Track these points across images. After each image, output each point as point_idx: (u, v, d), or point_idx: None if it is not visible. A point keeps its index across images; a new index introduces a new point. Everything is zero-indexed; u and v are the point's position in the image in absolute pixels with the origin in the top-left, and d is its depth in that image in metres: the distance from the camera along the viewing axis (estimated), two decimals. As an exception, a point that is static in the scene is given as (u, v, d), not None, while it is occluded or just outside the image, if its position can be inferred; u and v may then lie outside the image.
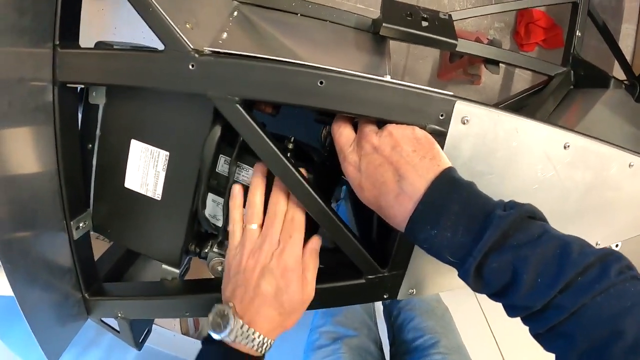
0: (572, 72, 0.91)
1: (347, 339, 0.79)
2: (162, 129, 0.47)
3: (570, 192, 0.51)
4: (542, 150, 0.48)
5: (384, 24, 0.69)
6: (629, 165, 0.54)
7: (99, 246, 0.60)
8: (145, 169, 0.49)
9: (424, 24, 0.73)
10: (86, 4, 0.43)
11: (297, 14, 0.75)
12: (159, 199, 0.51)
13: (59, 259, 0.49)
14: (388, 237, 0.53)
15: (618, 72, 0.94)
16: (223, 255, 0.55)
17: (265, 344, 0.44)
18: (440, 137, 0.44)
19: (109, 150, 0.50)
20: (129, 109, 0.47)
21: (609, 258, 0.32)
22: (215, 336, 0.43)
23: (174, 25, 0.39)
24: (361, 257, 0.50)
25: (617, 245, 0.89)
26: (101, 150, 0.50)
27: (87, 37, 0.45)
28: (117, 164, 0.50)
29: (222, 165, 0.50)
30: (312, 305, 0.54)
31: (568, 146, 0.49)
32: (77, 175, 0.49)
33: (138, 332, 0.59)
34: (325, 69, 0.41)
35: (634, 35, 1.09)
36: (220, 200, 0.52)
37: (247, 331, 0.43)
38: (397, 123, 0.43)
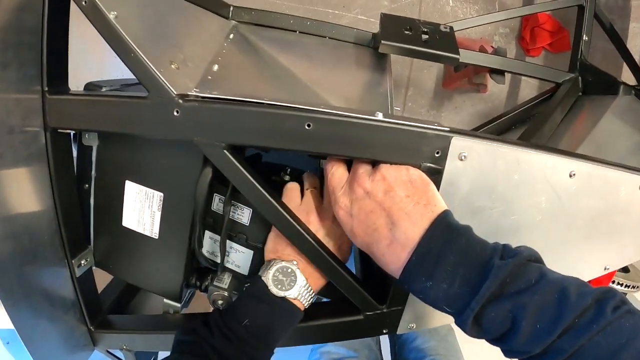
0: (579, 78, 0.88)
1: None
2: (155, 171, 0.47)
3: (576, 219, 0.49)
4: (545, 180, 0.46)
5: (382, 41, 0.67)
6: (639, 188, 0.52)
7: (104, 275, 0.61)
8: (141, 209, 0.49)
9: (424, 37, 0.71)
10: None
11: (295, 31, 0.74)
12: (156, 237, 0.51)
13: (63, 295, 0.50)
14: (382, 274, 0.52)
15: (627, 74, 0.91)
16: (223, 289, 0.55)
17: (312, 300, 0.47)
18: (436, 175, 0.42)
19: (105, 191, 0.50)
20: (122, 151, 0.47)
21: (605, 297, 0.32)
22: (279, 293, 0.44)
23: (156, 71, 0.38)
24: (358, 295, 0.49)
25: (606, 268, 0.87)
26: (97, 191, 0.50)
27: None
28: (113, 203, 0.50)
29: (217, 204, 0.50)
30: (312, 341, 0.54)
31: (574, 174, 0.47)
32: (75, 215, 0.49)
33: None
34: (313, 110, 0.40)
35: None
36: (217, 237, 0.52)
37: (308, 289, 0.46)
38: (390, 163, 0.41)
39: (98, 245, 0.54)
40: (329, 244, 0.47)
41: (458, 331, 0.88)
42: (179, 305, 0.56)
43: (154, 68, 0.38)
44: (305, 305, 0.47)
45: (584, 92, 0.88)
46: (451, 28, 0.80)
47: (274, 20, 0.71)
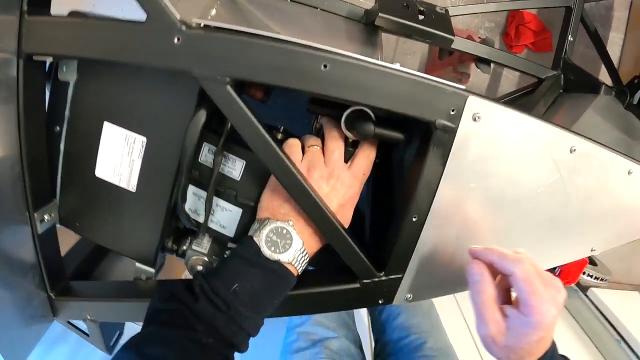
0: (562, 75, 0.90)
1: (327, 341, 0.75)
2: (140, 112, 0.42)
3: (571, 197, 0.50)
4: (549, 153, 0.46)
5: (380, 14, 0.65)
6: (628, 173, 0.53)
7: (66, 239, 0.54)
8: (119, 157, 0.44)
9: (421, 17, 0.70)
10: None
11: None
12: (133, 190, 0.46)
13: (21, 255, 0.44)
14: (386, 238, 0.50)
15: (604, 79, 0.95)
16: (203, 254, 0.51)
17: (305, 265, 0.44)
18: (450, 134, 0.41)
19: (79, 134, 0.44)
20: (103, 87, 0.42)
21: None
22: (272, 256, 0.41)
23: None
24: (357, 259, 0.46)
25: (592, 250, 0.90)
26: (70, 134, 0.44)
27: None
28: (87, 149, 0.44)
29: (206, 155, 0.46)
30: (302, 311, 0.50)
31: (574, 150, 0.47)
32: (42, 162, 0.43)
33: (109, 335, 0.53)
34: (331, 51, 0.37)
35: (621, 44, 1.11)
36: (202, 193, 0.47)
37: (304, 253, 0.43)
38: (404, 115, 0.40)
39: (64, 199, 0.47)
40: (330, 205, 0.44)
41: (439, 306, 0.88)
42: (152, 270, 0.51)
43: (155, -13, 0.34)
44: (299, 270, 0.44)
45: (565, 90, 0.91)
46: (447, 10, 0.79)
47: (268, -14, 0.67)
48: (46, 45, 0.37)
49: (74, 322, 0.52)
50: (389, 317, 0.84)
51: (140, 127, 0.43)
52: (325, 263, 0.51)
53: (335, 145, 0.45)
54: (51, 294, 0.48)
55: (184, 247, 0.51)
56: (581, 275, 0.98)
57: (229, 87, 0.37)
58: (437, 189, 0.44)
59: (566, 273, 1.00)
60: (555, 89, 0.90)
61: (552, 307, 0.36)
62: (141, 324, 0.41)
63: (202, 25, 0.36)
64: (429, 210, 0.45)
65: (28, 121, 0.39)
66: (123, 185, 0.45)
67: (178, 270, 0.82)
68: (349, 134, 0.46)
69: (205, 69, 0.36)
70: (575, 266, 0.96)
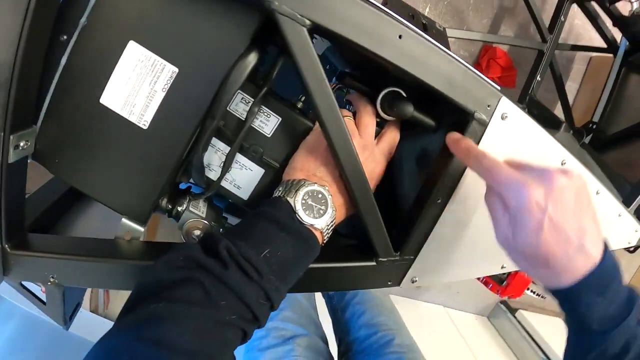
0: (526, 110, 1.00)
1: (299, 338, 0.71)
2: (179, 37, 0.36)
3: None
4: (547, 161, 0.50)
5: None
6: (596, 192, 0.60)
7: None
8: (138, 85, 0.37)
9: (423, 30, 0.73)
10: None
11: None
12: (144, 127, 0.39)
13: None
14: (404, 220, 0.49)
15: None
16: (201, 217, 0.45)
17: (330, 234, 0.41)
18: (483, 126, 0.44)
19: (92, 49, 0.36)
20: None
21: None
22: (308, 221, 0.38)
23: None
24: (382, 235, 0.45)
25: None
26: (80, 46, 0.36)
27: None
28: (97, 69, 0.37)
29: (237, 104, 0.41)
30: (316, 287, 0.47)
31: (564, 163, 0.52)
32: (36, 72, 0.35)
33: (69, 305, 0.43)
34: (406, 24, 0.37)
35: (575, 92, 1.28)
36: (222, 146, 0.42)
37: (333, 221, 0.40)
38: (452, 101, 0.41)
39: (49, 127, 0.38)
40: None
41: (398, 305, 0.88)
42: (142, 229, 0.43)
43: None
44: (325, 240, 0.40)
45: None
46: (444, 29, 0.84)
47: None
48: None
49: (28, 285, 0.41)
50: (353, 316, 0.82)
51: (174, 54, 0.37)
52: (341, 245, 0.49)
53: (370, 121, 0.44)
54: (6, 246, 0.38)
55: (180, 208, 0.45)
56: (525, 291, 1.07)
57: (306, 31, 0.34)
58: (462, 175, 0.46)
59: (513, 287, 1.09)
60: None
61: (523, 189, 0.33)
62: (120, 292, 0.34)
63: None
64: (452, 194, 0.46)
65: (35, 21, 0.31)
66: (133, 119, 0.38)
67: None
68: (381, 113, 0.45)
69: (288, 5, 0.33)
70: (521, 282, 1.06)
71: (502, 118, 0.44)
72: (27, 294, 0.41)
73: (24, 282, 0.41)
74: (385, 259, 0.46)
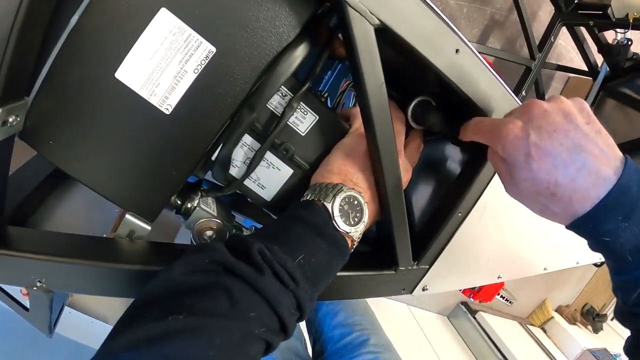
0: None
1: None
2: (222, 12, 0.31)
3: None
4: None
5: None
6: None
7: None
8: (165, 62, 0.32)
9: None
10: None
11: None
12: (167, 112, 0.33)
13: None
14: (423, 230, 0.48)
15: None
16: (213, 216, 0.40)
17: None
18: None
19: (112, 9, 0.29)
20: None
21: None
22: (345, 228, 0.35)
23: None
24: (405, 246, 0.44)
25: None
26: (97, 4, 0.29)
27: None
28: (115, 36, 0.30)
29: (274, 97, 0.36)
30: (336, 295, 0.44)
31: None
32: (37, 29, 0.28)
33: (55, 311, 0.36)
34: (463, 39, 0.36)
35: None
36: (249, 141, 0.38)
37: (365, 229, 0.38)
38: (488, 117, 0.41)
39: (45, 101, 0.31)
40: None
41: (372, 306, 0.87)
42: (148, 228, 0.37)
43: None
44: (354, 249, 0.38)
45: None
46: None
47: None
48: None
49: (6, 288, 0.34)
50: (326, 316, 0.80)
51: (213, 32, 0.31)
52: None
53: (401, 128, 0.43)
54: (-20, 241, 0.31)
55: (190, 205, 0.40)
56: (496, 296, 1.11)
57: (373, 29, 0.31)
58: (485, 188, 0.46)
59: (485, 291, 1.13)
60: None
61: (502, 126, 0.32)
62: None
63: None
64: (472, 209, 0.46)
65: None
66: (154, 101, 0.32)
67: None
68: (411, 121, 0.44)
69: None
70: (493, 286, 1.09)
71: None
72: (5, 297, 0.34)
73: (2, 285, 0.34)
74: (404, 268, 0.46)
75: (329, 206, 0.34)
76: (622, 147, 0.97)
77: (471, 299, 1.01)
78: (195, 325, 0.25)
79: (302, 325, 0.84)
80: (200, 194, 0.40)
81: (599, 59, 1.06)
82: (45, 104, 0.31)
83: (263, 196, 0.40)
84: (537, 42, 1.02)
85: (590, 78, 1.08)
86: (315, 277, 0.33)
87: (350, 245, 0.37)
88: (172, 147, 0.34)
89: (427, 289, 0.50)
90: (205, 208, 0.40)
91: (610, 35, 0.99)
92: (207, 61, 0.32)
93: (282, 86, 0.36)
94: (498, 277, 0.61)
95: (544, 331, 2.23)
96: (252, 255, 0.29)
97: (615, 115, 1.04)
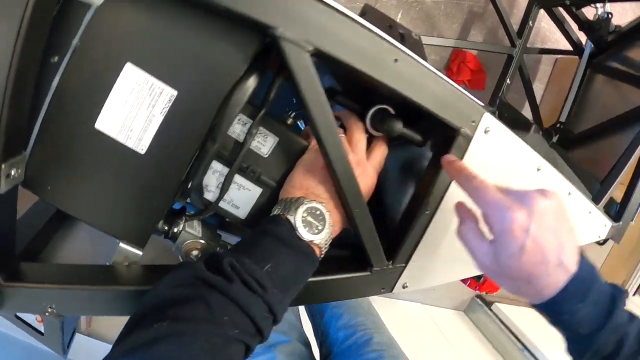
0: (497, 112, 1.05)
1: (281, 345, 0.72)
2: (178, 59, 0.36)
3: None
4: (525, 169, 0.54)
5: None
6: (568, 194, 0.65)
7: None
8: (135, 109, 0.37)
9: (400, 40, 0.75)
10: None
11: None
12: (142, 152, 0.38)
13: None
14: (395, 230, 0.51)
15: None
16: (198, 237, 0.45)
17: (327, 248, 0.42)
18: (467, 141, 0.47)
19: (85, 71, 0.35)
20: (138, 20, 0.34)
21: None
22: (308, 237, 0.39)
23: None
24: (376, 247, 0.47)
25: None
26: (72, 69, 0.35)
27: None
28: (91, 92, 0.36)
29: (234, 126, 0.41)
30: (315, 299, 0.48)
31: (540, 169, 0.57)
32: (27, 96, 0.33)
33: (67, 334, 0.42)
34: (401, 48, 0.39)
35: (542, 93, 1.34)
36: (220, 167, 0.42)
37: (331, 236, 0.41)
38: (443, 119, 0.44)
39: (40, 153, 0.37)
40: None
41: (376, 305, 0.90)
42: (140, 253, 0.42)
43: None
44: (323, 254, 0.42)
45: (498, 125, 1.05)
46: (419, 37, 0.87)
47: None
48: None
49: (23, 315, 0.40)
50: (331, 319, 0.84)
51: (172, 77, 0.36)
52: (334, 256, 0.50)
53: (361, 137, 0.46)
54: (-1, 278, 0.36)
55: (176, 229, 0.44)
56: None
57: (309, 55, 0.35)
58: (448, 188, 0.48)
59: (489, 282, 1.14)
60: (491, 122, 1.04)
61: (507, 212, 0.35)
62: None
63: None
64: (439, 206, 0.49)
65: (27, 42, 0.30)
66: (130, 144, 0.38)
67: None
68: (371, 129, 0.47)
69: (292, 31, 0.33)
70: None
71: (485, 132, 0.48)
72: (23, 325, 0.39)
73: (18, 314, 0.39)
74: (378, 268, 0.48)
75: (291, 219, 0.38)
76: (616, 120, 0.97)
77: (477, 290, 1.02)
78: (178, 331, 0.30)
79: (309, 329, 0.88)
80: (184, 218, 0.45)
81: (583, 38, 1.07)
82: (40, 156, 0.37)
83: (238, 215, 0.45)
84: (517, 29, 1.03)
85: (577, 57, 1.09)
86: (283, 283, 0.37)
87: (318, 252, 0.40)
88: (150, 181, 0.39)
89: (407, 286, 0.53)
90: (190, 231, 0.45)
91: (590, 12, 0.99)
92: (170, 104, 0.37)
93: (242, 114, 0.41)
94: None
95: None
96: (223, 267, 0.34)
97: (606, 90, 1.04)
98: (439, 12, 1.17)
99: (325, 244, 0.41)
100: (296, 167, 0.43)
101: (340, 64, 0.37)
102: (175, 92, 0.37)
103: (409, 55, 0.40)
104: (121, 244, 0.41)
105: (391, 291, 0.52)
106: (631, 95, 0.99)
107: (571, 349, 0.41)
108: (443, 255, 0.54)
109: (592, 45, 1.05)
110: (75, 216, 0.40)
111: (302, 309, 0.95)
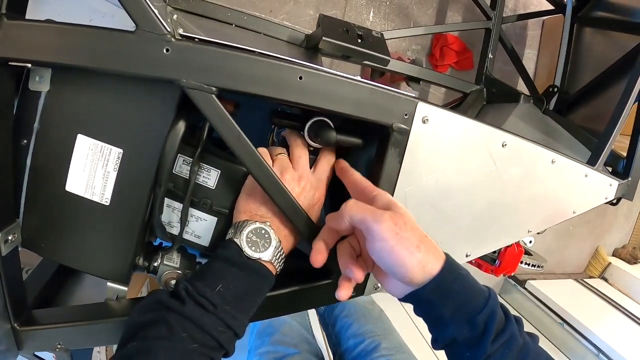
0: (485, 89, 1.03)
1: (290, 357, 0.76)
2: (116, 123, 0.43)
3: (507, 185, 0.58)
4: (485, 147, 0.54)
5: (323, 37, 0.71)
6: (552, 162, 0.63)
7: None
8: (93, 169, 0.44)
9: (359, 40, 0.78)
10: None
11: (231, 24, 0.75)
12: (107, 204, 0.45)
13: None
14: None
15: (522, 90, 1.10)
16: (175, 268, 0.51)
17: (282, 264, 0.46)
18: (404, 135, 0.48)
19: (49, 147, 0.43)
20: (78, 98, 0.42)
21: None
22: (253, 255, 0.43)
23: (150, 4, 0.36)
24: (332, 257, 0.49)
25: (530, 242, 1.00)
26: (39, 147, 0.43)
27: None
28: (57, 163, 0.43)
29: (180, 166, 0.47)
30: (284, 310, 0.51)
31: (505, 145, 0.56)
32: (6, 177, 0.41)
33: None
34: (305, 64, 0.42)
35: (535, 59, 1.30)
36: (177, 205, 0.48)
37: (281, 251, 0.45)
38: (366, 120, 0.45)
39: (29, 218, 0.45)
40: (302, 205, 0.47)
41: (387, 309, 0.92)
42: (125, 289, 0.49)
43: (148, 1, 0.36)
44: (278, 269, 0.46)
45: (488, 101, 1.04)
46: (382, 34, 0.89)
47: (211, 11, 0.72)
48: (24, 49, 0.36)
49: (40, 354, 0.48)
50: (342, 329, 0.87)
51: (116, 138, 0.43)
52: (297, 267, 0.53)
53: (301, 152, 0.50)
54: (15, 325, 0.45)
55: (155, 264, 0.51)
56: (520, 265, 1.09)
57: (214, 97, 0.39)
58: (396, 183, 0.50)
59: (505, 264, 1.11)
60: (479, 101, 1.03)
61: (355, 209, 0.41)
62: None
63: (188, 37, 0.38)
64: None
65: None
66: (96, 199, 0.45)
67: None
68: (311, 142, 0.51)
69: (193, 79, 0.38)
70: (512, 257, 1.07)
71: (424, 122, 0.48)
72: (39, 361, 0.48)
73: (36, 353, 0.48)
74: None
75: (237, 241, 0.43)
76: (610, 71, 0.93)
77: (494, 274, 1.00)
78: (144, 348, 0.36)
79: (318, 339, 0.92)
80: (160, 253, 0.51)
81: (562, -5, 1.03)
82: (31, 220, 0.45)
83: (202, 244, 0.50)
84: (490, 1, 1.01)
85: (561, 15, 1.05)
86: (237, 300, 0.41)
87: (271, 267, 0.44)
88: (119, 226, 0.46)
89: (378, 287, 0.55)
90: (168, 263, 0.51)
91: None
92: (119, 160, 0.44)
93: (183, 155, 0.46)
94: (467, 256, 0.62)
95: (606, 280, 2.06)
96: (179, 291, 0.40)
97: (596, 42, 0.99)
98: (410, 2, 1.17)
99: (277, 259, 0.45)
100: (240, 193, 0.48)
101: (249, 95, 0.41)
102: (121, 150, 0.43)
103: (313, 69, 0.42)
104: (109, 283, 0.49)
105: (363, 294, 0.54)
106: (621, 41, 0.94)
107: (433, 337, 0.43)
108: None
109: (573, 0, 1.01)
110: (67, 265, 0.48)
111: (315, 321, 1.00)
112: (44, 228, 0.46)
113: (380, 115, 0.46)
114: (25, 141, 0.43)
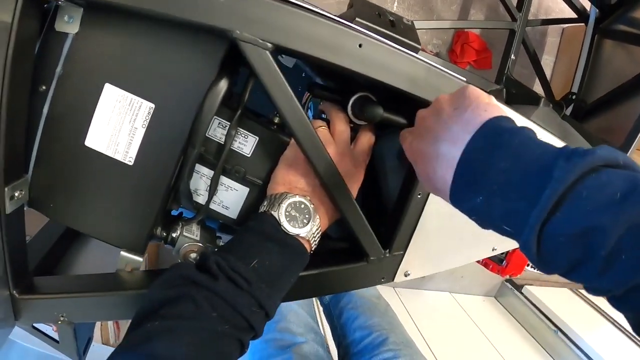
0: (504, 89, 1.02)
1: (296, 346, 0.73)
2: (150, 75, 0.38)
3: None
4: None
5: (356, 18, 0.68)
6: None
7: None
8: (119, 124, 0.39)
9: (391, 26, 0.75)
10: None
11: None
12: (130, 163, 0.41)
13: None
14: (389, 217, 0.51)
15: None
16: (196, 241, 0.47)
17: (317, 242, 0.43)
18: None
19: (71, 96, 0.38)
20: (110, 43, 0.37)
21: None
22: (292, 230, 0.40)
23: None
24: (369, 236, 0.47)
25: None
26: (59, 95, 0.38)
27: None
28: (79, 114, 0.39)
29: (215, 129, 0.43)
30: (315, 292, 0.48)
31: None
32: (20, 125, 0.36)
33: (81, 341, 0.45)
34: (365, 33, 0.39)
35: (552, 65, 1.30)
36: (206, 171, 0.44)
37: (319, 229, 0.42)
38: (418, 98, 0.43)
39: (39, 174, 0.40)
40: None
41: (402, 297, 0.90)
42: (141, 259, 0.45)
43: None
44: (313, 247, 0.42)
45: (507, 102, 1.02)
46: (412, 22, 0.86)
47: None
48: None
49: (39, 326, 0.43)
50: (348, 320, 0.85)
51: (148, 91, 0.39)
52: (329, 249, 0.50)
53: (344, 127, 0.46)
54: (14, 292, 0.40)
55: (174, 234, 0.47)
56: (526, 267, 1.09)
57: (268, 53, 0.36)
58: None
59: (512, 265, 1.11)
60: (498, 100, 1.01)
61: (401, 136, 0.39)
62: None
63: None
64: None
65: (14, 73, 0.33)
66: (119, 157, 0.40)
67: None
68: (353, 118, 0.47)
69: (248, 31, 0.35)
70: (520, 259, 1.08)
71: None
72: (40, 334, 0.43)
73: (35, 324, 0.43)
74: (375, 258, 0.48)
75: (275, 214, 0.40)
76: (629, 85, 0.93)
77: (500, 274, 1.00)
78: (167, 328, 0.32)
79: (327, 331, 0.89)
80: (180, 224, 0.47)
81: (587, 4, 1.02)
82: (41, 176, 0.40)
83: (230, 215, 0.47)
84: (516, 3, 1.00)
85: (583, 24, 1.04)
86: (272, 277, 0.38)
87: (307, 245, 0.41)
88: (141, 189, 0.42)
89: (409, 274, 0.52)
90: (188, 235, 0.47)
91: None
92: (150, 116, 0.39)
93: (220, 118, 0.42)
94: (493, 250, 0.60)
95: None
96: (209, 266, 0.36)
97: (616, 54, 0.99)
98: (435, -4, 1.15)
99: (314, 237, 0.42)
100: (279, 163, 0.44)
101: (304, 56, 0.38)
102: (153, 105, 0.39)
103: (374, 39, 0.40)
104: (122, 252, 0.44)
105: (392, 280, 0.52)
106: (642, 56, 0.94)
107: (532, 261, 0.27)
108: (444, 239, 0.53)
109: (597, 10, 1.01)
110: (77, 229, 0.43)
111: (320, 311, 0.97)
112: (55, 186, 0.41)
113: (432, 94, 0.43)
114: (44, 87, 0.38)
